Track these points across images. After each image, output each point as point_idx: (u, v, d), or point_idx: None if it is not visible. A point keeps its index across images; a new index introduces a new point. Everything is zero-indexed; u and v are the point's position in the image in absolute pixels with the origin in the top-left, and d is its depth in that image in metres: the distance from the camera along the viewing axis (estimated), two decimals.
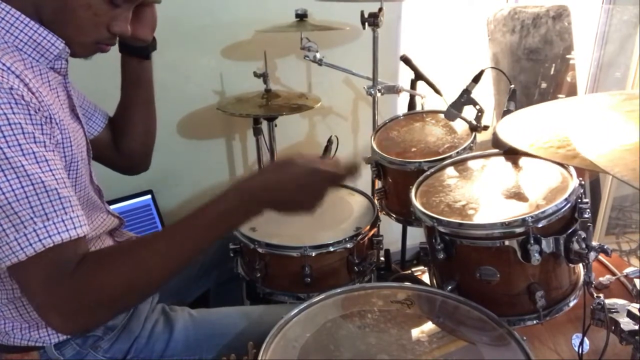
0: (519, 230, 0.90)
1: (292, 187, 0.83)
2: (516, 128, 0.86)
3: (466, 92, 1.29)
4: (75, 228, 0.73)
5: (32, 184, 0.70)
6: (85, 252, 0.76)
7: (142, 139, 1.18)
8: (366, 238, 1.24)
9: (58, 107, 0.84)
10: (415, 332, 0.87)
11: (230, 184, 0.82)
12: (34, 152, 0.71)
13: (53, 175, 0.73)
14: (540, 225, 0.89)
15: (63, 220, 0.72)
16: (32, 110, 0.73)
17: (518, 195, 1.01)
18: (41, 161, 0.72)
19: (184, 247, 0.79)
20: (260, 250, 1.17)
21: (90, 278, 0.73)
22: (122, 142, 1.17)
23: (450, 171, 1.20)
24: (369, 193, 1.44)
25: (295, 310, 0.91)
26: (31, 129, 0.72)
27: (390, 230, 1.89)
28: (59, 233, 0.71)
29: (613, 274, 1.21)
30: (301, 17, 1.64)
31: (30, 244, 0.69)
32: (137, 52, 1.08)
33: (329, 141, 1.58)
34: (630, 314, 0.83)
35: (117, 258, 0.77)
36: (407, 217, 1.37)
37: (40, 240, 0.70)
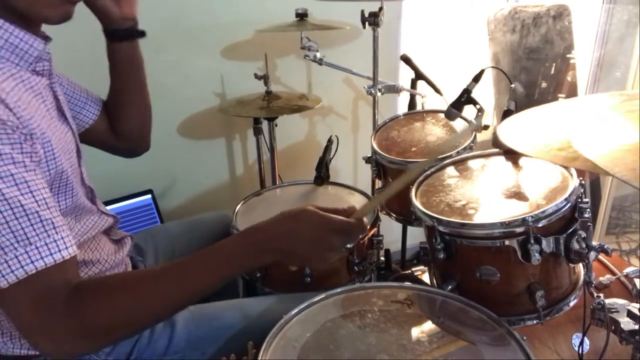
0: (519, 230, 0.90)
1: (303, 240, 0.81)
2: (517, 130, 0.86)
3: (466, 91, 1.29)
4: (60, 251, 0.71)
5: (12, 208, 0.67)
6: (77, 276, 0.75)
7: (139, 121, 1.17)
8: (366, 238, 1.24)
9: (42, 115, 0.81)
10: (415, 332, 0.87)
11: (244, 229, 0.81)
12: (12, 175, 0.68)
13: (33, 197, 0.70)
14: (540, 225, 0.89)
15: (46, 244, 0.70)
16: (10, 129, 0.70)
17: (518, 195, 1.01)
18: (20, 183, 0.69)
19: (187, 287, 0.77)
20: None
21: (87, 307, 0.71)
22: (119, 127, 1.16)
23: (450, 171, 1.20)
24: (369, 193, 1.44)
25: (296, 310, 0.90)
26: (9, 150, 0.69)
27: (390, 230, 1.90)
28: (42, 258, 0.69)
29: (613, 273, 1.21)
30: (301, 16, 1.64)
31: (12, 271, 0.67)
32: (127, 34, 1.05)
33: (329, 141, 1.58)
34: (630, 314, 0.83)
35: (117, 290, 0.75)
36: (407, 216, 1.37)
37: (22, 267, 0.67)
